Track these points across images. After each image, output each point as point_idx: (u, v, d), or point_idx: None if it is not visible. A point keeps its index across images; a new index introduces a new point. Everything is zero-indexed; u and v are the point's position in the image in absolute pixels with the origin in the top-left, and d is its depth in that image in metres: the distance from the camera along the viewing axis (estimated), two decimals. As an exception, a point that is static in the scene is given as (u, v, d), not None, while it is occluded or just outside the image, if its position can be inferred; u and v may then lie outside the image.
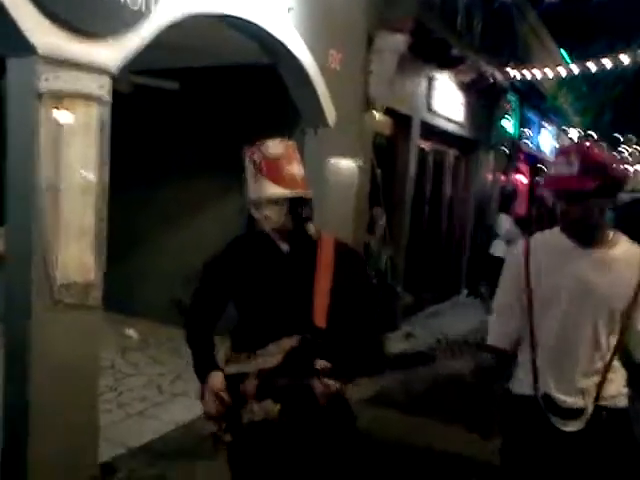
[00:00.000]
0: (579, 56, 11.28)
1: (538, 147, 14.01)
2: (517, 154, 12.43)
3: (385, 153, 7.13)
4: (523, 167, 13.69)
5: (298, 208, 2.23)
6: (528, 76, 10.20)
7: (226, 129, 6.33)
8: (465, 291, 10.32)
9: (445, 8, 7.47)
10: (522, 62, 10.29)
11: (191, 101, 6.60)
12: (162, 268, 6.75)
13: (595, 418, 2.14)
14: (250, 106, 6.20)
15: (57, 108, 3.20)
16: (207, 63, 6.03)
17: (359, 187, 6.32)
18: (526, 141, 12.90)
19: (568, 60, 12.96)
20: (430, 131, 8.14)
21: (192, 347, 2.35)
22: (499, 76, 9.33)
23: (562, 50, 13.78)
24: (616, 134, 16.81)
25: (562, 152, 2.23)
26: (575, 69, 10.27)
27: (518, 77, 9.98)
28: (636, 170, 21.76)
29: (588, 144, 2.25)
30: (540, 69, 10.39)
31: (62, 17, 3.15)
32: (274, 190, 2.17)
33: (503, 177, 11.45)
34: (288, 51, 5.04)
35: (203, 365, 2.27)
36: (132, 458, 3.92)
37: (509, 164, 11.91)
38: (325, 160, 5.79)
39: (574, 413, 2.15)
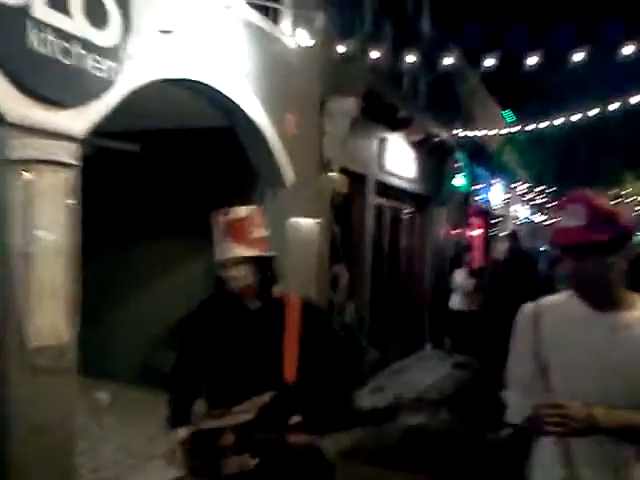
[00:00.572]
0: (520, 115, 12.00)
1: (488, 202, 14.59)
2: (469, 209, 12.91)
3: (342, 211, 7.36)
4: (476, 221, 14.18)
5: (264, 268, 2.33)
6: (472, 135, 10.81)
7: (188, 190, 6.48)
8: (429, 345, 10.45)
9: (392, 74, 7.89)
10: (466, 122, 10.89)
11: (153, 163, 6.71)
12: (132, 329, 6.71)
13: None
14: (210, 168, 6.38)
15: (26, 175, 3.29)
16: (167, 126, 6.22)
17: (319, 245, 6.49)
18: (477, 197, 13.44)
19: (509, 119, 13.74)
20: (384, 188, 8.45)
21: (170, 405, 2.44)
22: (446, 135, 9.83)
23: (505, 111, 14.61)
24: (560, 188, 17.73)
25: (566, 202, 1.89)
26: (514, 129, 10.96)
27: (462, 135, 10.54)
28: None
29: (590, 193, 1.86)
30: (483, 129, 11.03)
31: (31, 87, 3.29)
32: (238, 251, 2.27)
33: (455, 232, 11.85)
34: (245, 115, 5.28)
35: (178, 418, 2.37)
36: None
37: (461, 219, 12.35)
38: (285, 220, 5.97)
39: None
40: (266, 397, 2.20)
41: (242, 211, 2.36)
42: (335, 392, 2.38)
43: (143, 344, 6.68)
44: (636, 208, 19.11)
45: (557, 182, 17.49)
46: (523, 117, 12.02)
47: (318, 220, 6.40)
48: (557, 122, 9.89)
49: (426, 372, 8.82)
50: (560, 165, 16.86)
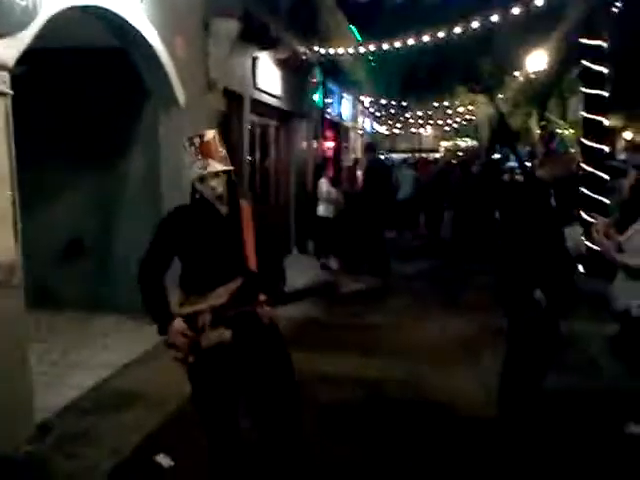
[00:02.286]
0: (369, 33, 12.80)
1: (340, 115, 15.55)
2: (323, 123, 13.75)
3: (223, 129, 7.79)
4: (329, 134, 15.10)
5: (230, 179, 2.89)
6: (327, 52, 11.46)
7: (81, 111, 6.53)
8: (295, 249, 11.41)
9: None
10: (322, 40, 11.49)
11: (42, 84, 6.61)
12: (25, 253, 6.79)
13: None
14: (103, 88, 6.47)
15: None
16: (56, 46, 6.15)
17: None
18: (330, 110, 14.30)
19: (359, 38, 14.55)
20: (257, 106, 8.94)
21: (148, 298, 2.88)
22: (307, 53, 10.42)
23: (354, 30, 15.36)
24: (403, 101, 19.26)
25: None
26: (364, 49, 11.80)
27: (320, 53, 11.17)
28: (418, 132, 24.75)
29: None
30: (339, 47, 11.72)
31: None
32: (216, 166, 2.79)
33: (315, 145, 12.69)
34: (141, 37, 5.49)
35: (162, 314, 2.84)
36: (60, 418, 4.33)
37: (317, 132, 13.18)
38: (179, 139, 6.32)
39: None
40: (238, 282, 2.81)
41: (210, 134, 2.87)
42: (278, 270, 3.14)
43: (37, 266, 6.84)
44: (466, 116, 21.48)
45: (401, 96, 18.99)
46: (371, 35, 12.85)
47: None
48: (398, 44, 10.83)
49: (298, 273, 9.78)
50: (404, 81, 18.21)
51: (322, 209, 10.54)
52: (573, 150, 4.16)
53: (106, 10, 4.85)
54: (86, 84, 6.57)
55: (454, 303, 7.81)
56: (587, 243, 5.93)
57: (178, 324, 2.78)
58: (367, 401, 4.76)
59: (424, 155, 23.20)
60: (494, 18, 8.56)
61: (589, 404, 4.59)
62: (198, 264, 2.87)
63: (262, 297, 2.88)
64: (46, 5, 4.05)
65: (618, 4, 8.86)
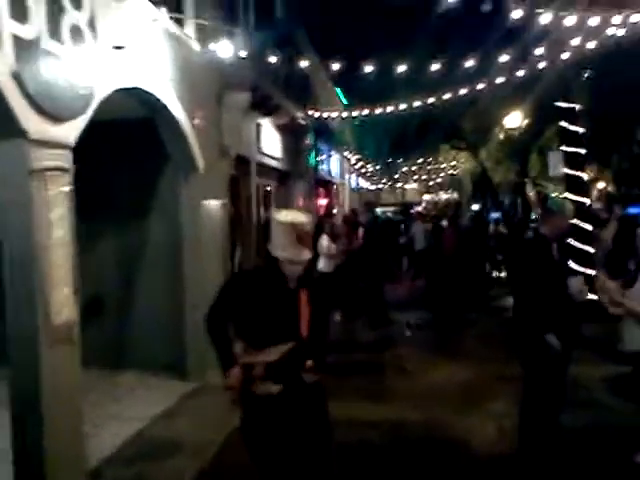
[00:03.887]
0: (356, 97, 13.61)
1: (329, 173, 16.25)
2: (316, 181, 14.39)
3: (233, 191, 8.30)
4: (321, 191, 15.75)
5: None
6: (321, 116, 12.21)
7: (106, 175, 6.97)
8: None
9: (264, 67, 8.84)
10: (314, 104, 12.24)
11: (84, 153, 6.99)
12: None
13: None
14: (131, 157, 6.93)
15: (43, 181, 3.92)
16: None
17: (224, 224, 7.40)
18: (321, 169, 14.98)
19: (345, 102, 15.41)
20: (261, 168, 9.50)
21: (215, 346, 3.16)
22: (302, 117, 11.11)
23: (340, 93, 16.24)
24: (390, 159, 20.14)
25: None
26: (352, 112, 12.60)
27: (313, 117, 11.90)
28: (402, 187, 25.61)
29: None
30: (329, 111, 12.48)
31: (43, 107, 3.90)
32: (307, 254, 3.06)
33: (310, 202, 13.26)
34: (167, 110, 6.03)
35: (226, 360, 3.13)
36: (107, 466, 4.62)
37: (311, 190, 13.79)
38: (198, 202, 6.81)
39: None
40: (289, 345, 3.03)
41: (307, 222, 3.12)
42: (324, 343, 3.35)
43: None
44: (449, 171, 22.41)
45: (389, 155, 19.87)
46: (358, 97, 13.68)
47: (223, 201, 7.31)
48: (381, 110, 11.59)
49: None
50: (392, 141, 19.10)
51: (322, 264, 10.98)
52: (567, 208, 4.69)
53: (143, 90, 5.39)
54: (113, 151, 6.99)
55: (457, 351, 8.20)
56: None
57: (236, 372, 3.06)
58: (383, 443, 5.09)
59: (419, 208, 23.97)
60: (479, 86, 9.27)
61: (599, 439, 4.98)
62: (259, 324, 3.11)
63: (309, 363, 3.11)
64: (98, 90, 4.56)
65: (589, 72, 9.70)
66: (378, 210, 23.84)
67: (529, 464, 4.39)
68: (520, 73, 8.80)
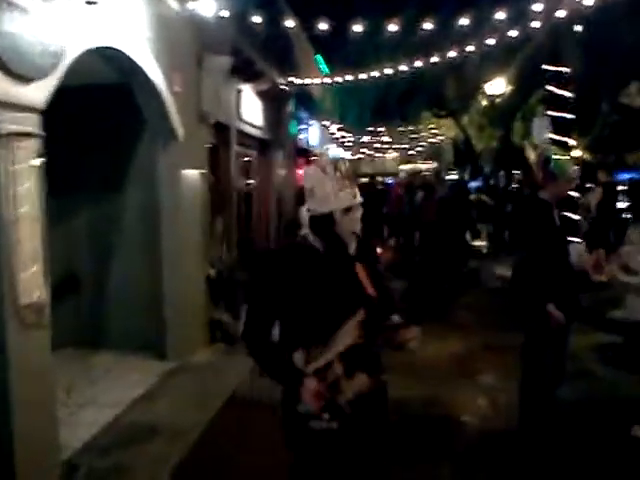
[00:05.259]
0: (338, 64, 13.19)
1: (309, 142, 15.84)
2: (296, 150, 13.99)
3: (212, 160, 7.92)
4: (301, 161, 15.34)
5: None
6: (303, 83, 11.77)
7: (78, 143, 6.56)
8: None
9: (246, 30, 8.41)
10: (295, 71, 11.79)
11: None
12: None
13: None
14: (100, 122, 6.52)
15: (9, 148, 3.54)
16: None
17: (203, 195, 7.05)
18: (301, 138, 14.57)
19: (326, 69, 14.97)
20: (241, 137, 9.10)
21: (268, 366, 2.42)
22: (284, 84, 10.68)
23: (321, 60, 15.78)
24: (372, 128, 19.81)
25: None
26: (334, 79, 12.21)
27: (294, 84, 11.46)
28: (382, 157, 25.33)
29: None
30: (311, 77, 12.05)
31: (7, 62, 3.50)
32: (360, 198, 2.44)
33: (291, 172, 12.89)
34: (145, 74, 5.61)
35: (290, 378, 2.33)
36: (83, 455, 4.34)
37: (292, 159, 13.41)
38: (176, 172, 6.44)
39: None
40: (361, 314, 2.31)
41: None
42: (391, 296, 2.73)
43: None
44: (429, 139, 22.18)
45: (370, 123, 19.52)
46: (340, 64, 13.26)
47: (203, 171, 6.94)
48: (364, 76, 11.22)
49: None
50: (374, 109, 18.72)
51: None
52: (571, 172, 4.45)
53: (117, 50, 4.97)
54: (84, 118, 6.59)
55: (445, 321, 8.03)
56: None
57: (310, 384, 2.24)
58: None
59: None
60: (469, 48, 8.94)
61: (596, 411, 4.85)
62: (320, 311, 2.34)
63: (395, 319, 2.53)
64: (70, 49, 4.15)
65: (579, 29, 9.41)
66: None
67: (530, 438, 4.23)
68: (510, 33, 8.45)
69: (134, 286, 6.82)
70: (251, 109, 9.57)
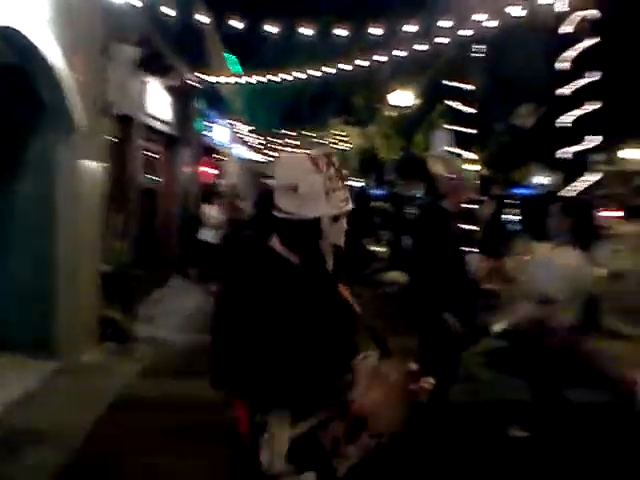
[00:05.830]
0: (251, 65, 13.15)
1: (218, 141, 15.69)
2: (203, 148, 13.81)
3: (115, 154, 7.66)
4: (208, 159, 15.15)
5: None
6: (212, 81, 11.67)
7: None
8: (178, 275, 11.26)
9: (157, 23, 8.23)
10: (206, 69, 11.67)
11: None
12: None
13: None
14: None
15: None
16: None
17: (103, 188, 6.80)
18: (208, 136, 14.39)
19: (240, 69, 14.88)
20: (146, 131, 8.88)
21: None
22: (193, 80, 10.54)
23: (235, 59, 15.67)
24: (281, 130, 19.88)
25: None
26: (245, 79, 12.19)
27: (204, 81, 11.34)
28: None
29: None
30: (222, 76, 11.97)
31: None
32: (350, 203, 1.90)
33: (197, 170, 12.71)
34: (44, 57, 5.34)
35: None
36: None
37: (199, 157, 13.22)
38: (77, 163, 6.18)
39: None
40: (372, 358, 1.79)
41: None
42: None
43: None
44: (336, 146, 22.58)
45: (280, 126, 19.56)
46: (253, 66, 13.26)
47: (103, 164, 6.70)
48: (275, 78, 11.31)
49: (185, 300, 9.68)
50: (283, 112, 18.78)
51: (208, 235, 10.57)
52: (473, 182, 4.66)
53: (14, 30, 4.72)
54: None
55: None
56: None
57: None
58: None
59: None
60: (380, 58, 9.20)
61: (478, 413, 5.10)
62: (307, 344, 1.74)
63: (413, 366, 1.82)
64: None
65: (483, 51, 9.94)
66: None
67: (421, 440, 4.38)
68: (420, 47, 8.79)
69: (22, 279, 6.45)
70: (159, 104, 9.36)
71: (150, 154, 9.73)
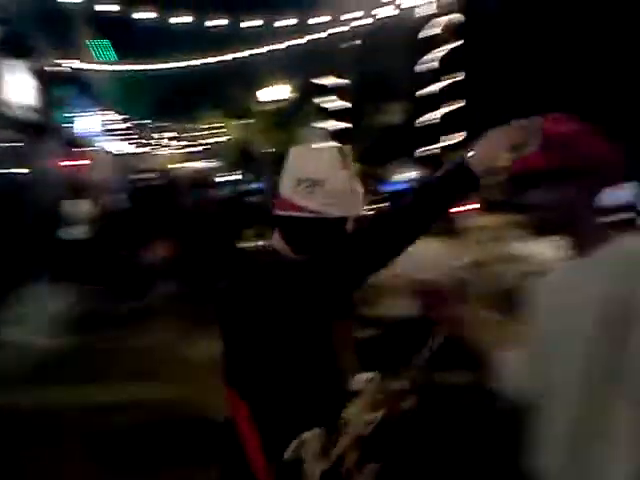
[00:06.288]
0: (126, 54, 12.64)
1: (88, 132, 14.89)
2: (71, 139, 13.05)
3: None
4: (75, 151, 14.34)
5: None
6: (80, 68, 11.11)
7: None
8: (44, 274, 10.58)
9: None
10: (77, 55, 11.09)
11: None
12: None
13: None
14: None
15: None
16: None
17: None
18: (75, 126, 13.63)
19: (115, 56, 14.26)
20: (4, 118, 8.26)
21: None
22: (61, 66, 9.97)
23: (109, 46, 14.97)
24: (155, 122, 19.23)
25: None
26: (115, 66, 11.75)
27: (72, 68, 10.78)
28: (161, 154, 24.73)
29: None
30: (92, 63, 11.44)
31: None
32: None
33: (62, 162, 11.97)
34: None
35: None
36: None
37: (65, 148, 12.48)
38: None
39: None
40: (376, 377, 1.68)
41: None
42: None
43: None
44: (213, 139, 22.29)
45: (153, 117, 18.89)
46: (128, 54, 12.79)
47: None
48: (149, 67, 11.03)
49: (50, 300, 9.11)
50: (157, 102, 18.15)
51: (73, 232, 9.98)
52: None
53: None
54: None
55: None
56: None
57: None
58: (151, 424, 4.62)
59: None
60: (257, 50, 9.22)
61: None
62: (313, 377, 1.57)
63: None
64: None
65: (355, 48, 10.28)
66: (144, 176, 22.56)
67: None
68: (295, 42, 8.93)
69: None
70: (19, 89, 8.74)
71: (10, 144, 9.06)
